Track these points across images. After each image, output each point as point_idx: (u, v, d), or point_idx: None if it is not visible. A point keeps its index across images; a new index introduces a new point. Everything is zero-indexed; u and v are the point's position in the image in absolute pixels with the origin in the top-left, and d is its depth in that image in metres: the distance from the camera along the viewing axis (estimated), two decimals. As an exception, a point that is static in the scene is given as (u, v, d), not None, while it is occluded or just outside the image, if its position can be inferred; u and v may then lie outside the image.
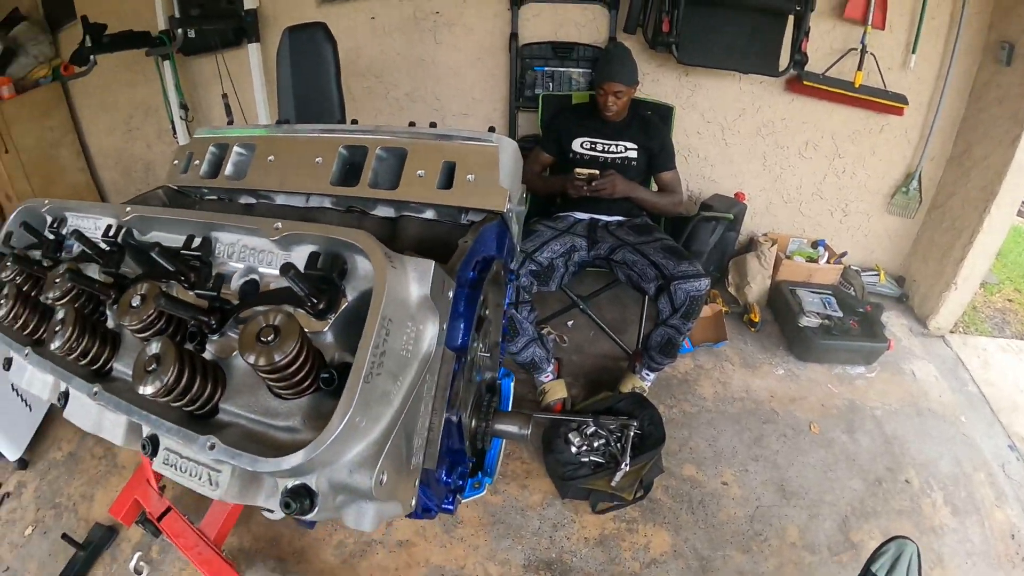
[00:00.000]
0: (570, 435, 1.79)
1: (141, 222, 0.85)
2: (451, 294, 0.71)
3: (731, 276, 2.59)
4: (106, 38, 2.51)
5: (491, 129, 0.97)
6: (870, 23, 2.20)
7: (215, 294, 0.68)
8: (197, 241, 0.78)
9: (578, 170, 1.97)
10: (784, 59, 2.25)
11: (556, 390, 2.06)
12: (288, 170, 1.03)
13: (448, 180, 0.92)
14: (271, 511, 0.63)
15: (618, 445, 1.75)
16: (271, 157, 1.05)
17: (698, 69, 2.34)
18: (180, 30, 2.70)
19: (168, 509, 1.65)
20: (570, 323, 2.48)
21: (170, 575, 1.78)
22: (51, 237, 0.93)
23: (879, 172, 2.55)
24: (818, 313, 2.28)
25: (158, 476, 1.78)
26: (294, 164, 1.02)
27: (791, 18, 2.19)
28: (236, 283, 0.75)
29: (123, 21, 2.75)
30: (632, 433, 1.75)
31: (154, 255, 0.70)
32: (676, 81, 2.41)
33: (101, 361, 0.75)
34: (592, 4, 2.32)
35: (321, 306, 0.63)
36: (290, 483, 0.57)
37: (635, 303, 2.23)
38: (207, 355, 0.68)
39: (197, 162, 1.13)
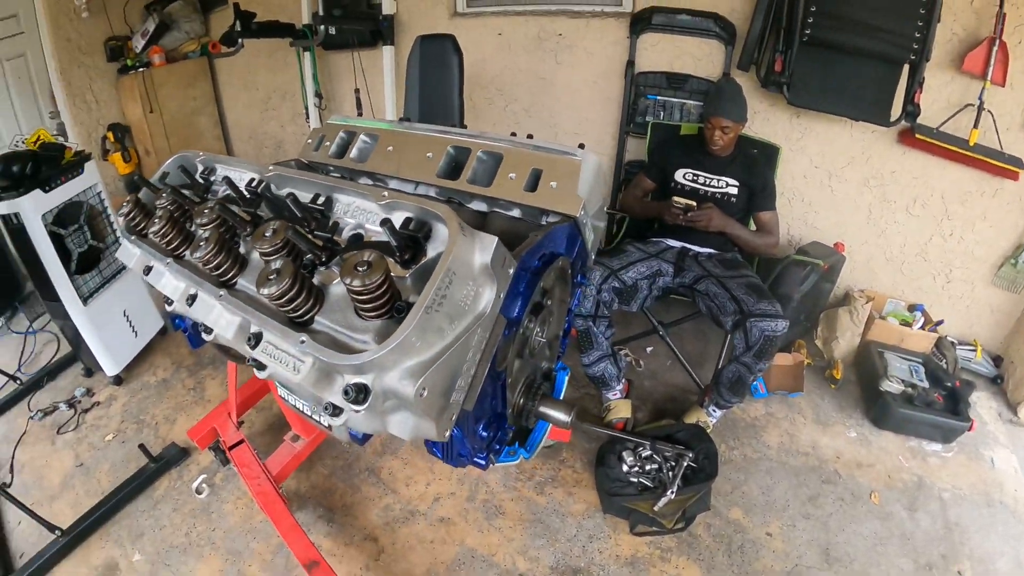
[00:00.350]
0: (624, 453, 1.86)
1: (279, 179, 1.08)
2: (511, 271, 0.86)
3: (820, 329, 2.51)
4: (254, 25, 2.84)
5: (580, 146, 1.12)
6: (989, 78, 2.07)
7: (329, 236, 0.91)
8: (321, 199, 1.01)
9: (676, 198, 2.04)
10: (897, 109, 2.18)
11: (621, 409, 2.13)
12: (403, 160, 1.24)
13: (534, 184, 1.08)
14: (334, 420, 0.80)
15: (669, 472, 1.79)
16: (390, 148, 1.27)
17: (809, 112, 2.32)
18: (322, 26, 3.01)
19: (241, 441, 1.90)
20: (649, 349, 2.54)
21: (227, 502, 2.03)
22: (201, 181, 1.21)
23: (988, 239, 2.39)
24: (903, 380, 2.18)
25: (239, 411, 2.04)
26: (409, 156, 1.23)
27: (906, 67, 2.12)
28: (346, 234, 0.97)
29: (271, 11, 3.12)
30: (686, 463, 1.78)
31: (288, 202, 0.92)
32: (786, 122, 2.40)
33: (229, 275, 0.98)
34: (709, 39, 2.35)
35: (406, 257, 0.82)
36: (353, 380, 0.75)
37: (717, 339, 2.23)
38: (315, 280, 0.88)
39: (328, 143, 1.36)
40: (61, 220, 2.40)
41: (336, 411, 0.79)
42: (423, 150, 1.22)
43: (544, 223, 1.08)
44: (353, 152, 1.33)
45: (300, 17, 3.19)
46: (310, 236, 0.90)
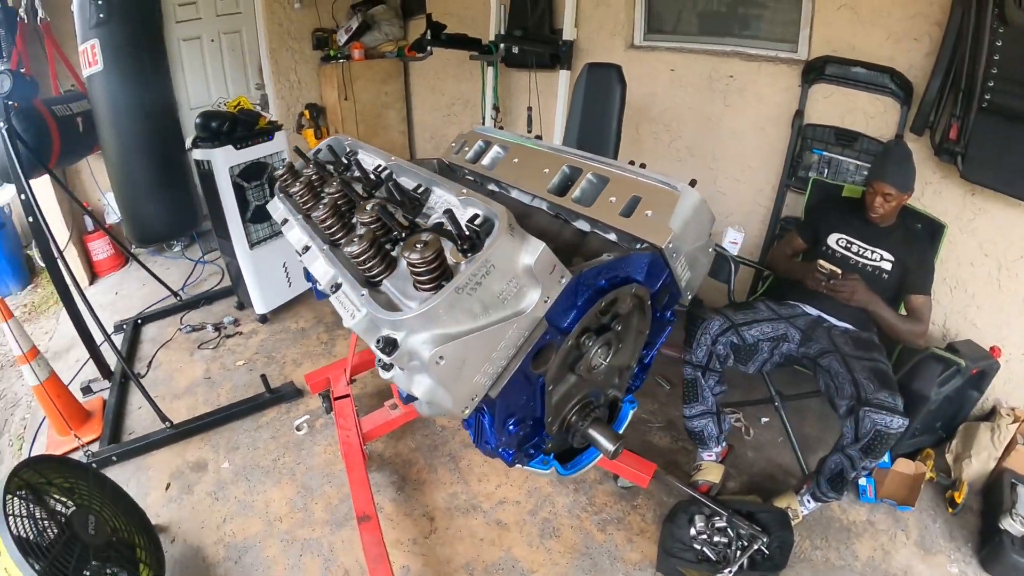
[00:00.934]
0: (697, 517, 1.72)
1: (397, 168, 1.29)
2: (563, 281, 0.91)
3: (955, 442, 2.12)
4: (444, 35, 3.10)
5: (692, 183, 1.12)
6: None
7: (412, 219, 1.04)
8: (422, 189, 1.20)
9: (821, 262, 1.90)
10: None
11: (710, 472, 1.97)
12: (523, 173, 1.35)
13: (630, 210, 1.09)
14: (384, 373, 0.93)
15: (737, 551, 1.63)
16: (516, 160, 1.40)
17: (986, 190, 2.00)
18: (502, 45, 3.23)
19: (347, 395, 2.06)
20: (764, 419, 2.30)
21: (318, 444, 2.23)
22: (343, 160, 1.45)
23: None
24: (1030, 522, 1.76)
25: (354, 371, 2.23)
26: (529, 170, 1.34)
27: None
28: (431, 221, 1.09)
29: (463, 25, 3.40)
30: (756, 546, 1.62)
31: (390, 185, 1.12)
32: (959, 199, 2.09)
33: (337, 236, 1.20)
34: (884, 96, 2.15)
35: (465, 246, 0.88)
36: (386, 333, 0.86)
37: None
38: (393, 252, 1.03)
39: (467, 149, 1.53)
40: (246, 175, 2.82)
41: (387, 366, 0.90)
42: (542, 166, 1.31)
43: (635, 247, 1.08)
44: (485, 160, 1.48)
45: (487, 33, 3.45)
46: (397, 215, 1.04)
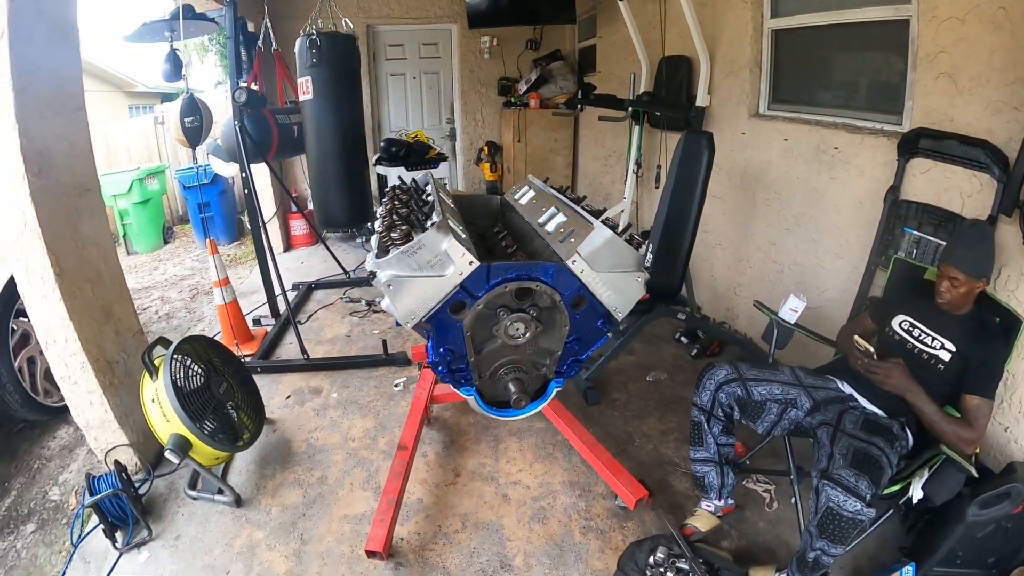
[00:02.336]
0: (660, 549, 1.81)
1: (436, 196, 1.88)
2: (472, 265, 1.44)
3: None
4: (592, 96, 3.56)
5: (630, 230, 1.63)
6: None
7: (427, 215, 1.59)
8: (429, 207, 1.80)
9: (857, 338, 1.80)
10: None
11: (702, 520, 1.98)
12: (535, 209, 2.02)
13: (565, 237, 1.59)
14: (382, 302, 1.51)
15: None
16: (535, 201, 2.11)
17: None
18: (629, 108, 3.62)
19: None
20: (794, 500, 1.98)
21: (404, 400, 2.82)
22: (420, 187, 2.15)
23: None
24: None
25: None
26: (537, 207, 2.01)
27: None
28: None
29: (623, 87, 3.79)
30: None
31: (413, 189, 1.79)
32: None
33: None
34: (981, 172, 1.95)
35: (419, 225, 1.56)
36: (372, 269, 1.45)
37: None
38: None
39: (518, 189, 2.18)
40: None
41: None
42: (544, 206, 1.94)
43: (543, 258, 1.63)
44: (523, 200, 2.12)
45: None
46: (412, 211, 1.72)
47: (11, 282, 2.49)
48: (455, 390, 1.67)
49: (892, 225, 2.33)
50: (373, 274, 1.42)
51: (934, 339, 1.78)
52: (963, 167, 2.05)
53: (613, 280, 1.55)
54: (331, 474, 2.35)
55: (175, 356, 2.09)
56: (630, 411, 2.71)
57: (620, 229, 1.61)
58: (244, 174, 3.00)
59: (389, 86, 5.61)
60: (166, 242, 6.33)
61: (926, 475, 1.64)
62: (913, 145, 2.21)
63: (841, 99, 2.67)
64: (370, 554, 1.81)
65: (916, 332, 1.83)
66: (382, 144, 3.52)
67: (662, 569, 1.77)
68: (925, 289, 1.89)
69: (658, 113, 3.65)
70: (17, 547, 2.16)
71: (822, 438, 1.69)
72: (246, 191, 3.06)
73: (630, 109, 3.63)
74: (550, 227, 1.76)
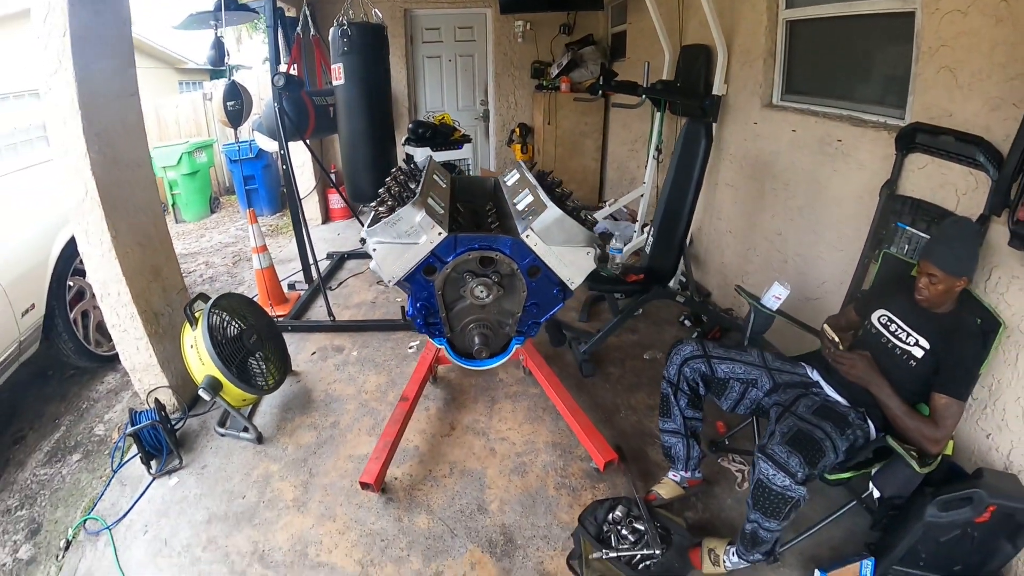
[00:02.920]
0: (620, 508, 1.97)
1: (428, 176, 2.13)
2: (441, 236, 1.70)
3: None
4: (613, 82, 3.66)
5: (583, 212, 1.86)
6: None
7: (402, 188, 1.87)
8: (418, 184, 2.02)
9: (825, 327, 1.85)
10: None
11: (667, 488, 2.11)
12: (515, 189, 2.26)
13: (526, 215, 1.84)
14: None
15: (631, 549, 1.85)
16: (517, 183, 2.33)
17: None
18: (643, 95, 3.70)
19: None
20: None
21: (415, 361, 3.04)
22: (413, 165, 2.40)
23: None
24: None
25: None
26: (517, 188, 2.23)
27: None
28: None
29: (653, 74, 3.87)
30: (643, 552, 1.83)
31: (410, 168, 2.08)
32: None
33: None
34: (977, 170, 1.91)
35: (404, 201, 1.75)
36: (363, 235, 1.79)
37: (838, 497, 1.94)
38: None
39: (507, 172, 2.44)
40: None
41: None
42: (523, 188, 2.15)
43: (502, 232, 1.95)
44: (510, 181, 2.41)
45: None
46: (402, 189, 2.03)
47: (70, 243, 2.89)
48: (430, 340, 1.99)
49: (886, 220, 2.33)
50: (364, 239, 1.69)
51: (909, 335, 1.76)
52: (959, 164, 2.00)
53: (563, 253, 1.82)
54: (343, 420, 2.64)
55: (213, 310, 2.40)
56: (622, 385, 2.88)
57: (573, 209, 1.85)
58: (281, 151, 3.29)
59: (425, 68, 5.83)
60: (212, 212, 6.84)
61: (878, 467, 1.72)
62: (910, 140, 2.18)
63: (848, 91, 2.70)
64: (364, 485, 2.09)
65: (893, 327, 1.82)
66: (410, 126, 3.75)
67: (618, 527, 1.93)
68: (908, 285, 1.84)
69: (672, 101, 3.72)
70: (63, 473, 2.54)
71: (771, 416, 1.80)
72: (284, 167, 3.35)
73: (643, 97, 3.72)
74: (520, 206, 2.00)
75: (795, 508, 1.57)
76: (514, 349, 2.04)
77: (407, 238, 1.75)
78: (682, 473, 2.11)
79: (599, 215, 4.40)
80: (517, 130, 5.86)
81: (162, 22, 15.99)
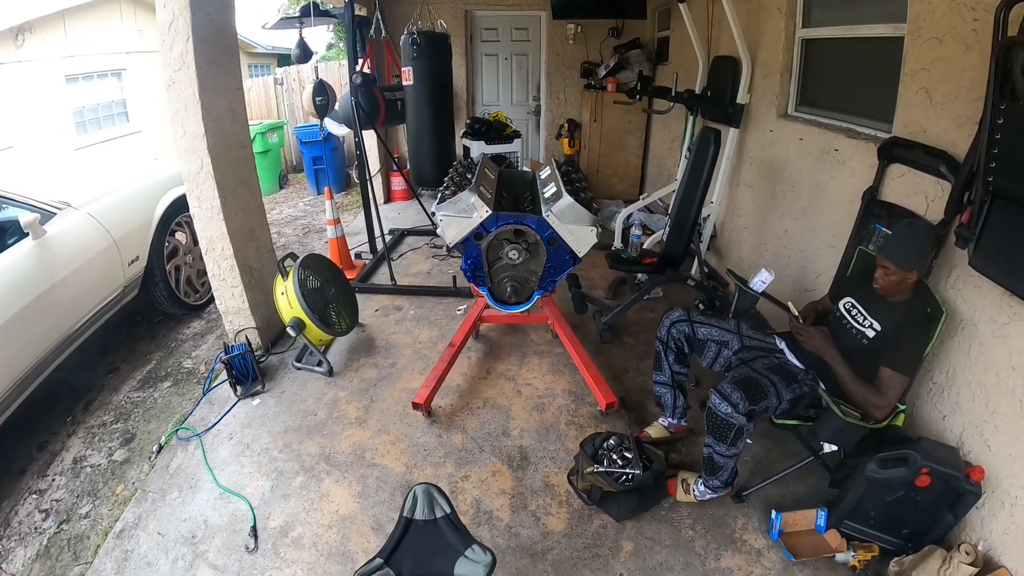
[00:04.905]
0: (614, 438, 2.35)
1: (480, 168, 2.74)
2: (486, 212, 2.31)
3: (909, 558, 1.94)
4: (650, 88, 4.07)
5: (592, 199, 2.39)
6: None
7: (462, 177, 2.50)
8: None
9: (790, 304, 2.22)
10: None
11: (656, 431, 2.53)
12: (547, 181, 2.76)
13: (549, 202, 2.40)
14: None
15: (613, 463, 2.24)
16: (548, 175, 2.83)
17: None
18: (673, 103, 4.10)
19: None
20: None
21: (460, 320, 3.59)
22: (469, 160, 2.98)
23: None
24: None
25: None
26: (548, 180, 2.75)
27: None
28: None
29: (688, 80, 4.27)
30: (628, 471, 2.20)
31: (466, 161, 2.69)
32: (996, 299, 1.88)
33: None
34: (943, 181, 2.14)
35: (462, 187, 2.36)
36: (433, 210, 2.49)
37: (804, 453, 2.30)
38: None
39: (544, 167, 2.92)
40: (493, 160, 4.32)
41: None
42: (552, 180, 2.77)
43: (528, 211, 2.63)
44: (543, 174, 2.93)
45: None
46: (462, 178, 2.59)
47: (171, 206, 3.51)
48: (476, 289, 2.65)
49: (867, 221, 2.63)
50: (434, 213, 2.34)
51: (865, 319, 2.03)
52: (928, 174, 2.22)
53: (574, 230, 2.47)
54: (399, 362, 3.24)
55: (301, 265, 3.02)
56: (634, 353, 3.35)
57: (584, 199, 2.45)
58: (357, 139, 3.90)
59: (483, 65, 6.37)
60: (281, 188, 7.65)
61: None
62: (889, 151, 2.48)
63: (848, 106, 3.03)
64: (415, 406, 2.68)
65: (854, 312, 2.10)
66: (468, 121, 4.31)
67: (611, 452, 2.36)
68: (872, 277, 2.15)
69: (701, 107, 4.11)
70: (155, 396, 3.10)
71: (730, 366, 2.26)
72: (358, 152, 3.96)
73: (672, 104, 4.13)
74: (547, 194, 2.59)
75: (739, 435, 1.97)
76: (535, 299, 2.65)
77: (464, 213, 2.42)
78: (670, 419, 2.55)
79: (634, 207, 4.82)
80: (566, 125, 6.30)
81: (245, 16, 16.80)
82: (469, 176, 2.73)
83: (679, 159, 4.79)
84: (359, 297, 3.85)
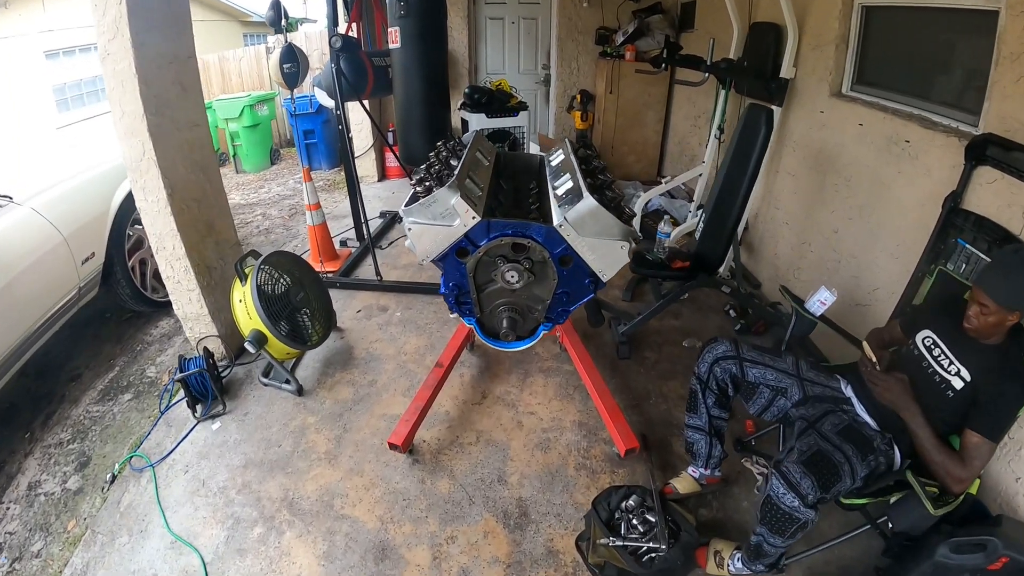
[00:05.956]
0: (635, 497, 2.00)
1: (470, 153, 2.21)
2: (474, 219, 1.73)
3: None
4: (677, 56, 3.53)
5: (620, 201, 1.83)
6: None
7: (442, 167, 1.96)
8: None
9: (864, 344, 1.83)
10: None
11: (686, 484, 2.14)
12: (559, 168, 2.28)
13: (562, 202, 1.90)
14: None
15: (633, 534, 1.90)
16: (561, 162, 2.37)
17: None
18: (707, 73, 3.56)
19: None
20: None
21: (456, 326, 3.11)
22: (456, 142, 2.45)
23: None
24: None
25: None
26: (560, 166, 2.30)
27: None
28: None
29: (721, 49, 3.73)
30: (650, 544, 1.85)
31: (452, 142, 2.20)
32: None
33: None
34: None
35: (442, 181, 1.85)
36: (399, 212, 1.90)
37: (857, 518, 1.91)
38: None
39: (554, 149, 2.43)
40: (492, 136, 3.84)
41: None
42: (567, 168, 2.23)
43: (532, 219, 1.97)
44: (554, 161, 2.38)
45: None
46: (442, 167, 2.12)
47: (130, 194, 3.07)
48: (460, 317, 2.11)
49: (946, 234, 2.21)
50: (401, 218, 1.81)
51: (951, 363, 1.66)
52: None
53: (596, 245, 1.87)
54: (380, 379, 2.81)
55: (262, 266, 2.57)
56: (656, 371, 2.92)
57: (612, 199, 1.89)
58: (338, 111, 3.39)
59: (487, 29, 5.77)
60: (272, 163, 7.13)
61: (896, 498, 1.68)
62: (981, 151, 2.05)
63: (921, 89, 2.55)
64: (391, 446, 2.24)
65: (936, 352, 1.72)
66: (466, 91, 3.78)
67: (630, 515, 1.97)
68: (959, 309, 1.73)
69: (737, 81, 3.58)
70: (114, 411, 2.80)
71: (795, 430, 1.78)
72: (340, 127, 3.46)
73: (707, 75, 3.60)
74: (560, 190, 2.03)
75: (801, 529, 1.57)
76: (540, 335, 2.12)
77: (441, 220, 1.84)
78: (701, 470, 2.14)
79: (655, 192, 4.32)
80: (578, 97, 5.77)
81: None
82: (454, 163, 2.15)
83: (707, 138, 4.29)
84: (340, 294, 3.43)
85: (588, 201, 1.82)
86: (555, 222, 1.86)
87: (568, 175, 2.10)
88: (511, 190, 2.45)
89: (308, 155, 6.39)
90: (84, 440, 2.63)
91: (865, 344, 1.83)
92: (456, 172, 1.97)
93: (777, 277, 3.61)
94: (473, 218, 1.83)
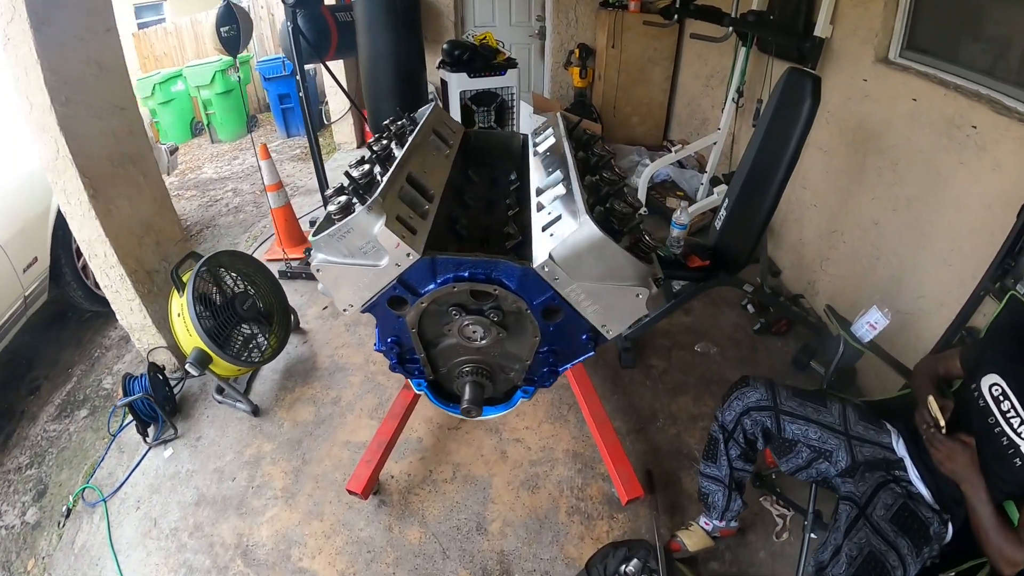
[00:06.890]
0: (637, 560, 1.73)
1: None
2: (411, 257, 1.24)
3: None
4: (692, 6, 3.04)
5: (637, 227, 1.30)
6: None
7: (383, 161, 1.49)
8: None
9: (930, 400, 1.48)
10: None
11: (694, 538, 1.86)
12: (548, 161, 1.70)
13: (545, 227, 1.31)
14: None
15: None
16: (550, 152, 1.77)
17: None
18: (729, 27, 3.10)
19: None
20: (813, 536, 1.74)
21: None
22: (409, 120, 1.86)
23: None
24: None
25: None
26: (550, 160, 1.71)
27: None
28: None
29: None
30: None
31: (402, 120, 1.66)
32: None
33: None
34: None
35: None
36: (310, 246, 1.35)
37: None
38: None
39: (543, 129, 1.92)
40: (476, 99, 3.38)
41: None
42: (557, 162, 1.61)
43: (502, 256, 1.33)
44: (541, 146, 1.81)
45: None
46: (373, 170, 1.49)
47: None
48: (406, 376, 1.60)
49: (1020, 248, 1.82)
50: (306, 251, 1.41)
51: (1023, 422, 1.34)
52: None
53: (599, 292, 1.26)
54: (345, 396, 2.49)
55: (201, 273, 2.20)
56: (664, 384, 2.59)
57: (623, 220, 1.29)
58: (296, 76, 2.94)
59: (475, -23, 5.20)
60: (250, 131, 6.62)
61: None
62: None
63: (993, 63, 2.12)
64: (351, 492, 1.91)
65: (1006, 406, 1.38)
66: (444, 47, 3.30)
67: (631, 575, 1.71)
68: None
69: (763, 37, 3.12)
70: (70, 430, 2.54)
71: (841, 516, 1.47)
72: (300, 93, 3.02)
73: (730, 29, 3.13)
74: (545, 200, 1.40)
75: None
76: (518, 403, 1.62)
77: (363, 257, 1.25)
78: (716, 522, 1.84)
79: (663, 162, 3.89)
80: (577, 51, 5.24)
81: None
82: (388, 164, 1.54)
83: (722, 101, 3.84)
84: (305, 287, 3.07)
85: (588, 229, 1.17)
86: (536, 260, 1.25)
87: (559, 173, 1.49)
88: (485, 185, 1.96)
89: (285, 120, 5.93)
90: (41, 465, 2.42)
91: (931, 401, 1.48)
92: (384, 180, 1.32)
93: (801, 264, 3.25)
94: (408, 255, 1.23)
